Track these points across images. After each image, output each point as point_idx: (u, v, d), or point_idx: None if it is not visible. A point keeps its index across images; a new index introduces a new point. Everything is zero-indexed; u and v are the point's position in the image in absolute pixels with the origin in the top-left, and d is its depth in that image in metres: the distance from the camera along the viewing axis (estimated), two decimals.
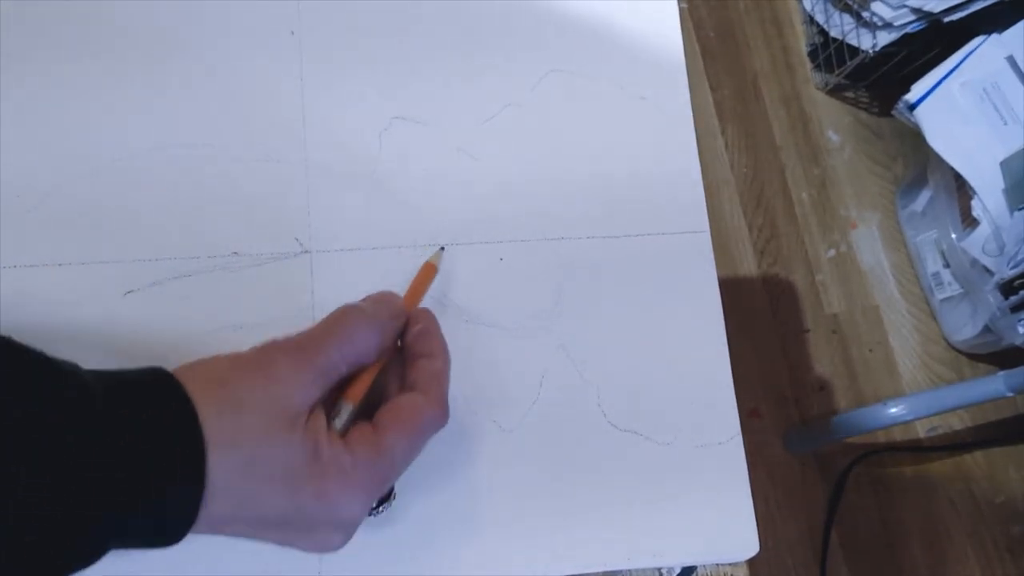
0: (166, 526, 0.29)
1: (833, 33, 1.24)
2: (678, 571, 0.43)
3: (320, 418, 0.32)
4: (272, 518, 0.30)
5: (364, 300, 0.36)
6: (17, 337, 0.29)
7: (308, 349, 0.32)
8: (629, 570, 0.42)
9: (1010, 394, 0.94)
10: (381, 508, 0.38)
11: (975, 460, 1.22)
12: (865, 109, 1.36)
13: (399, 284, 0.43)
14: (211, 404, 0.29)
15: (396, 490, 0.38)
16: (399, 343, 0.37)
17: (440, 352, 0.36)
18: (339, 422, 0.33)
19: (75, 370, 0.28)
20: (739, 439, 0.43)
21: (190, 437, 0.28)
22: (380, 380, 0.36)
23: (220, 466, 0.28)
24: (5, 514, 0.24)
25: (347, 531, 0.33)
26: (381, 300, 0.36)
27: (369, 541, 0.39)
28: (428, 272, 0.40)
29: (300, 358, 0.31)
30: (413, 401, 0.34)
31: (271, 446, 0.29)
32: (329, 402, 0.34)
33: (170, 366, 0.34)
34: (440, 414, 0.35)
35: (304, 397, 0.31)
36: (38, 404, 0.26)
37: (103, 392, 0.28)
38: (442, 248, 0.42)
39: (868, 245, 1.30)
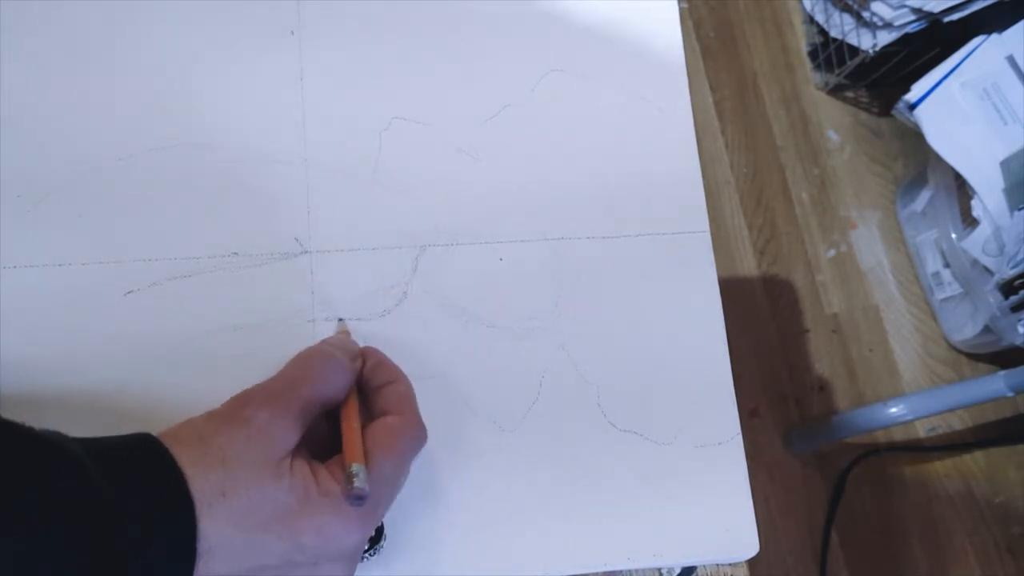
0: None
1: (833, 33, 1.24)
2: (678, 571, 0.43)
3: (304, 459, 0.32)
4: (273, 565, 0.31)
5: (324, 342, 0.38)
6: (18, 337, 0.29)
7: (283, 395, 0.32)
8: (629, 570, 0.42)
9: (1010, 394, 0.94)
10: (373, 550, 0.38)
11: (975, 460, 1.22)
12: (865, 109, 1.36)
13: (399, 284, 0.43)
14: (197, 464, 0.29)
15: (386, 531, 0.38)
16: (360, 381, 0.38)
17: (400, 377, 0.38)
18: (361, 483, 0.32)
19: (62, 443, 0.28)
20: (739, 439, 0.43)
21: (179, 501, 0.28)
22: (334, 415, 0.36)
23: (214, 524, 0.29)
24: None
25: (349, 562, 0.33)
26: (338, 343, 0.38)
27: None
28: (345, 332, 0.41)
29: (277, 405, 0.32)
30: (391, 424, 0.35)
31: (262, 494, 0.30)
32: (312, 439, 0.34)
33: (171, 366, 0.34)
34: (420, 432, 0.36)
35: (286, 442, 0.31)
36: (32, 489, 0.26)
37: (92, 465, 0.28)
38: (341, 319, 0.42)
39: (868, 245, 1.30)
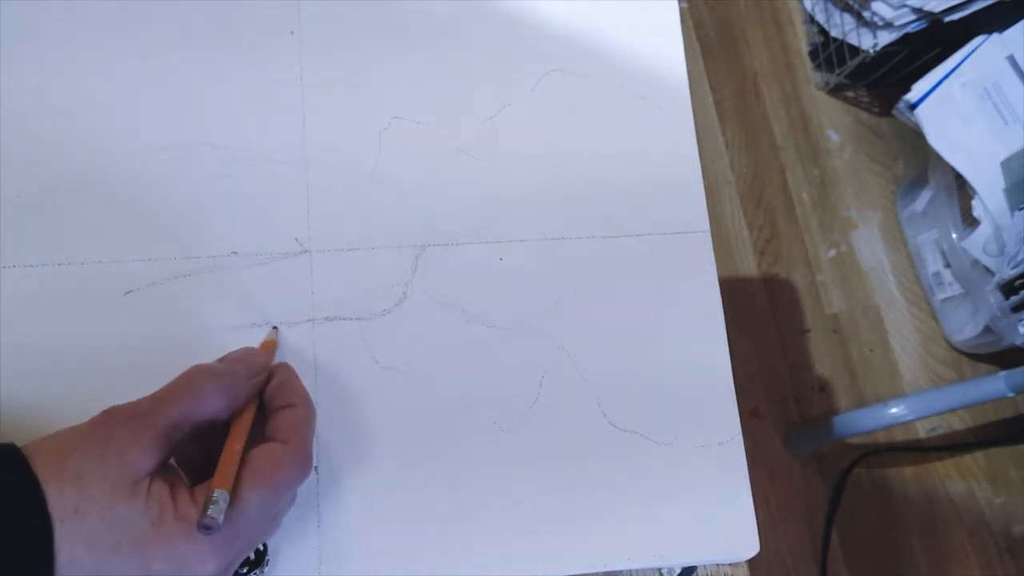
0: None
1: (833, 33, 1.24)
2: (678, 571, 0.43)
3: (165, 480, 0.31)
4: None
5: (223, 358, 0.36)
6: (18, 337, 0.29)
7: (147, 414, 0.32)
8: (629, 570, 0.42)
9: (1010, 394, 0.94)
10: (251, 574, 0.37)
11: (975, 460, 1.22)
12: (865, 109, 1.36)
13: (398, 284, 0.43)
14: (54, 479, 0.29)
15: (269, 554, 0.38)
16: (262, 396, 0.37)
17: (302, 401, 0.36)
18: (216, 512, 0.30)
19: None
20: (739, 439, 0.43)
21: (36, 513, 0.28)
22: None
23: (66, 540, 0.28)
24: None
25: None
26: (239, 358, 0.36)
27: (369, 541, 0.39)
28: (269, 345, 0.40)
29: (137, 424, 0.31)
30: (270, 452, 0.33)
31: (114, 515, 0.29)
32: (188, 457, 0.34)
33: (170, 365, 0.34)
34: (301, 463, 0.34)
35: (144, 463, 0.31)
36: None
37: None
38: (275, 328, 0.41)
39: (868, 245, 1.30)
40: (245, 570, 0.37)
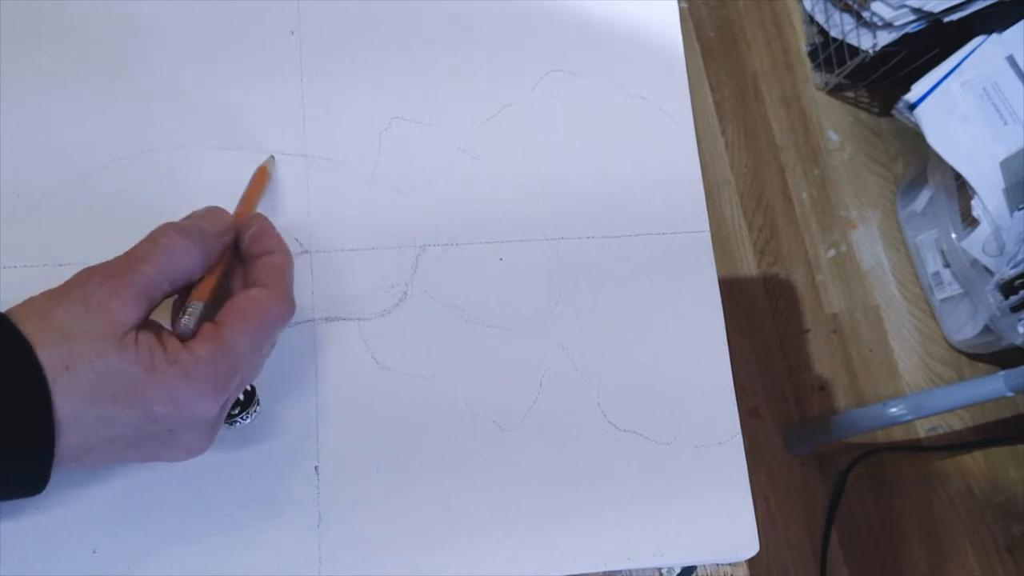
0: (25, 467, 0.29)
1: (833, 33, 1.24)
2: (678, 571, 0.43)
3: (150, 330, 0.32)
4: (129, 436, 0.31)
5: (187, 217, 0.36)
6: None
7: (124, 272, 0.32)
8: (629, 570, 0.42)
9: (1010, 394, 0.94)
10: (243, 415, 0.38)
11: (975, 460, 1.22)
12: (865, 109, 1.36)
13: (398, 284, 0.43)
14: (42, 339, 0.29)
15: (259, 397, 0.39)
16: (240, 249, 0.37)
17: (279, 248, 0.37)
18: (189, 320, 0.33)
19: None
20: (739, 439, 0.43)
21: (31, 374, 0.29)
22: (227, 286, 0.37)
23: (64, 397, 0.29)
24: None
25: (206, 431, 0.33)
26: (204, 216, 0.36)
27: (369, 541, 0.39)
28: (260, 179, 0.40)
29: (116, 282, 0.31)
30: (254, 295, 0.34)
31: (107, 367, 0.30)
32: (177, 309, 0.35)
33: None
34: (284, 306, 0.35)
35: (127, 317, 0.31)
36: None
37: None
38: (272, 156, 0.41)
39: (868, 245, 1.30)
40: (237, 410, 0.38)
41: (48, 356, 0.29)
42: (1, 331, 0.29)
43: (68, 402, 0.29)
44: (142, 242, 0.34)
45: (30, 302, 0.31)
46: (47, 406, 0.29)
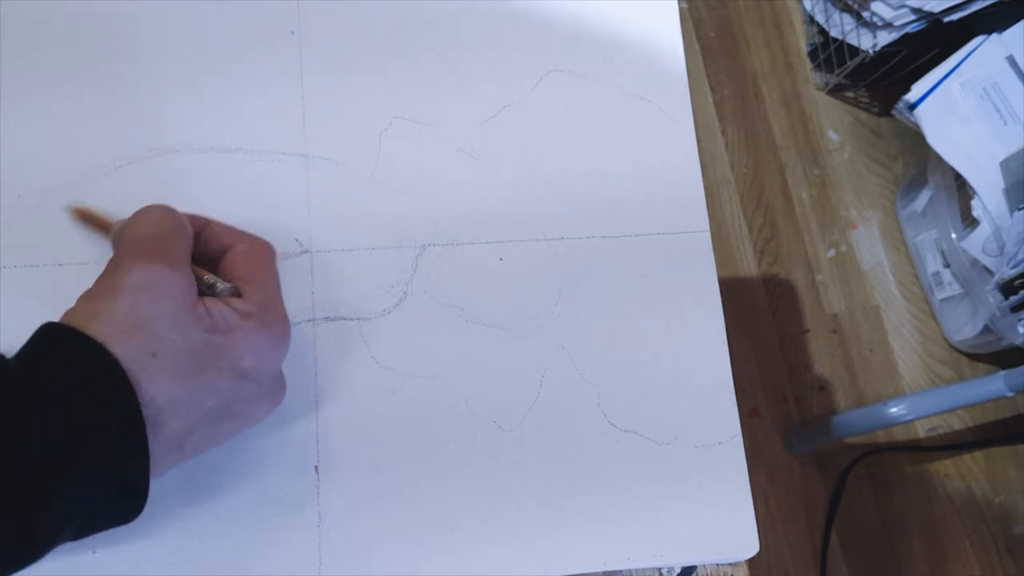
0: (127, 470, 0.29)
1: (833, 33, 1.24)
2: (678, 571, 0.43)
3: (205, 298, 0.33)
4: (224, 401, 0.32)
5: (136, 214, 0.35)
6: (18, 337, 0.29)
7: (159, 250, 0.33)
8: (629, 570, 0.42)
9: (1010, 394, 0.94)
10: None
11: (975, 460, 1.22)
12: (865, 109, 1.36)
13: (398, 284, 0.43)
14: (111, 337, 0.29)
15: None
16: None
17: (239, 239, 0.38)
18: (224, 284, 0.35)
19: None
20: (739, 439, 0.43)
21: (110, 371, 0.28)
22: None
23: (154, 384, 0.29)
24: None
25: (281, 377, 0.36)
26: (152, 207, 0.36)
27: (369, 541, 0.39)
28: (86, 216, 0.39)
29: (165, 260, 0.32)
30: (240, 245, 0.37)
31: (190, 341, 0.31)
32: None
33: None
34: (264, 243, 0.38)
35: (190, 288, 0.32)
36: None
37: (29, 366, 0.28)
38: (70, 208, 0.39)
39: (868, 245, 1.30)
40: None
41: (129, 349, 0.29)
42: (70, 344, 0.29)
43: (161, 387, 0.29)
44: (144, 220, 0.34)
45: (84, 308, 0.31)
46: (136, 405, 0.28)
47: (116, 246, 0.34)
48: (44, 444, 0.26)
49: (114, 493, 0.29)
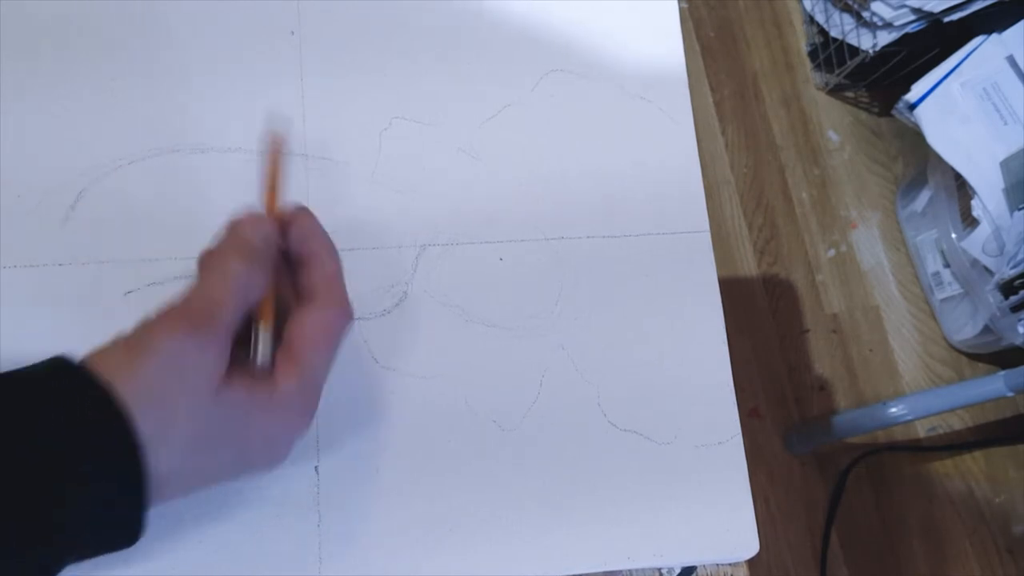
0: (122, 532, 0.30)
1: (833, 33, 1.24)
2: (678, 571, 0.43)
3: (237, 373, 0.32)
4: (227, 474, 0.32)
5: (230, 234, 0.33)
6: (18, 337, 0.29)
7: (205, 318, 0.31)
8: (629, 570, 0.42)
9: (1010, 394, 0.94)
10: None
11: (975, 460, 1.22)
12: (865, 109, 1.36)
13: (399, 284, 0.43)
14: (141, 406, 0.29)
15: None
16: (283, 248, 0.35)
17: (327, 252, 0.35)
18: (265, 352, 0.33)
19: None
20: (739, 439, 0.43)
21: (123, 442, 0.28)
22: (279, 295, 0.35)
23: (161, 458, 0.29)
24: None
25: (292, 448, 0.34)
26: (249, 228, 0.33)
27: (369, 541, 0.39)
28: (275, 158, 0.35)
29: (203, 334, 0.30)
30: (317, 314, 0.33)
31: (207, 423, 0.30)
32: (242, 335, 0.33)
33: None
34: (346, 316, 0.34)
35: (219, 368, 0.31)
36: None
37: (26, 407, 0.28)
38: (273, 115, 0.38)
39: (868, 245, 1.30)
40: None
41: (146, 419, 0.28)
42: (97, 404, 0.28)
43: (169, 459, 0.29)
44: (211, 276, 0.32)
45: (115, 354, 0.30)
46: (139, 475, 0.28)
47: (197, 272, 0.33)
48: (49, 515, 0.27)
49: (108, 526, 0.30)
